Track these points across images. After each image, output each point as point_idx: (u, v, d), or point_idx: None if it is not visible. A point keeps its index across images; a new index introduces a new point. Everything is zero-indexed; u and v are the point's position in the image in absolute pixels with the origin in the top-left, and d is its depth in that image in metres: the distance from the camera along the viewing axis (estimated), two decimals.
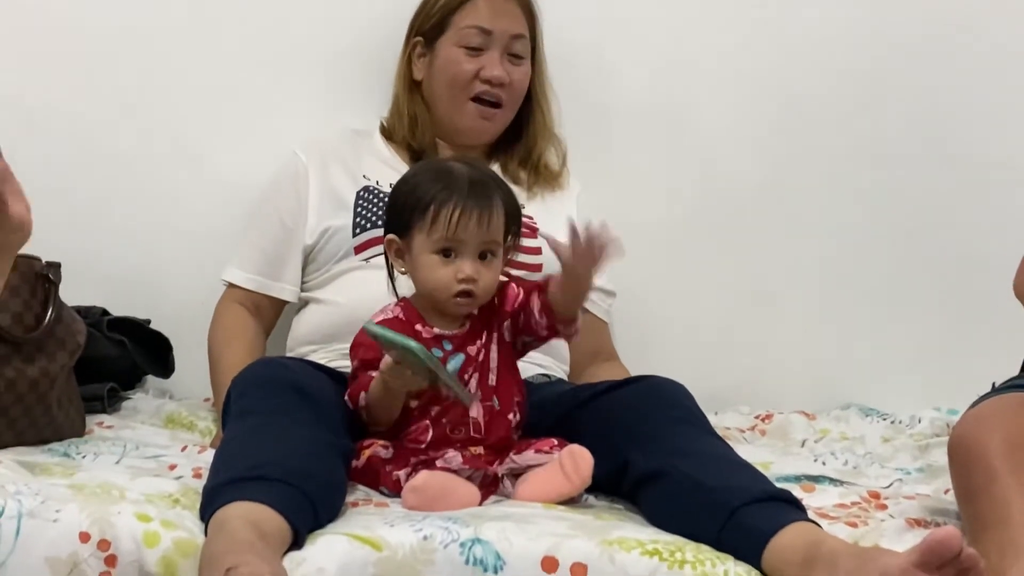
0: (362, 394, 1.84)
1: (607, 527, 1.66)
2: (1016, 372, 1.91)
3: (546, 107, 2.41)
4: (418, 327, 1.86)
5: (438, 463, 1.78)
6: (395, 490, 1.78)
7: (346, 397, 1.87)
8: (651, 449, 1.78)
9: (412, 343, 1.70)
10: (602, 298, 2.40)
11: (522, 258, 2.20)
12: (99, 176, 2.59)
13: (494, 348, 1.89)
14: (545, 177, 2.38)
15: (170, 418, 2.34)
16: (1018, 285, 1.89)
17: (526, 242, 2.20)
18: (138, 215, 2.60)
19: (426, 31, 2.36)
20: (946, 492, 1.90)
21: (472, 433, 1.84)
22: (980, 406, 1.70)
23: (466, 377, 1.85)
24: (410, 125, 2.36)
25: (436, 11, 2.34)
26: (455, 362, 1.77)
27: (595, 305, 2.39)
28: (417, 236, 1.85)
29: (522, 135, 2.40)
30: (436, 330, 1.87)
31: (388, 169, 2.32)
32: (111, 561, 1.56)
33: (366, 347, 1.85)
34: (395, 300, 1.93)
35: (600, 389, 1.97)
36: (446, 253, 1.84)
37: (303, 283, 2.33)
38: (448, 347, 1.86)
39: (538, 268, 2.23)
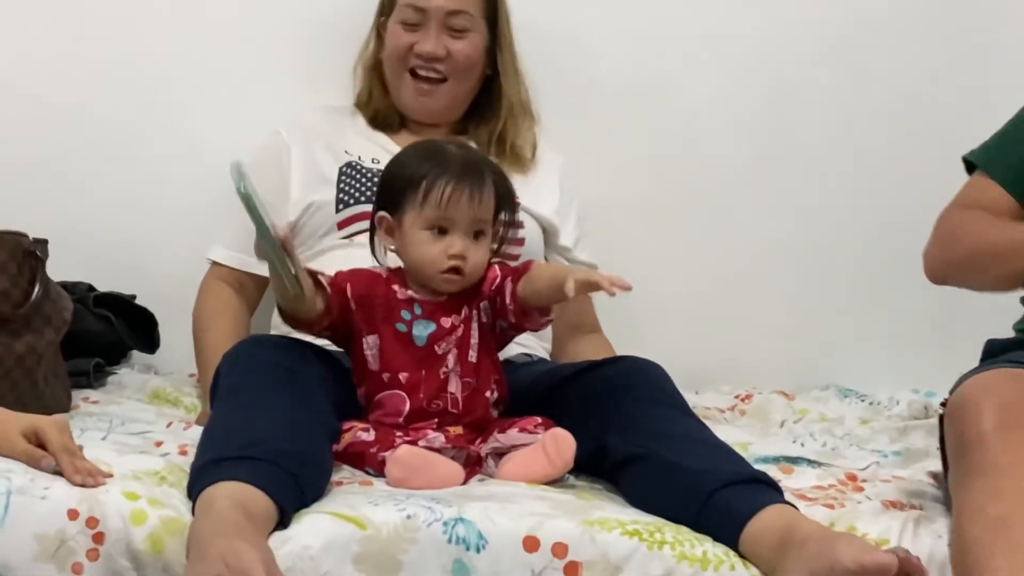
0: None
1: (588, 507, 1.69)
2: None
3: (514, 83, 2.40)
4: (395, 286, 1.89)
5: (420, 443, 1.80)
6: (381, 470, 1.79)
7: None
8: (629, 432, 1.81)
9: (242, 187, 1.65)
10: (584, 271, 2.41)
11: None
12: (84, 153, 2.59)
13: (474, 326, 1.91)
14: (511, 160, 2.36)
15: (155, 393, 2.35)
16: (932, 268, 1.93)
17: None
18: (123, 192, 2.60)
19: (383, 8, 2.41)
20: (932, 478, 1.93)
21: (450, 408, 1.86)
22: (981, 375, 1.74)
23: (441, 349, 1.87)
24: (367, 102, 2.42)
25: None
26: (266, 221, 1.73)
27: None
28: (409, 212, 1.87)
29: (485, 110, 2.41)
30: (411, 292, 1.90)
31: (371, 144, 2.33)
32: (99, 538, 1.58)
33: (340, 276, 1.89)
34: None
35: (579, 369, 1.99)
36: (439, 230, 1.86)
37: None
38: (418, 311, 1.88)
39: (521, 242, 2.25)
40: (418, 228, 1.87)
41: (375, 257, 1.96)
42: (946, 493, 1.76)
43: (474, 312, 1.91)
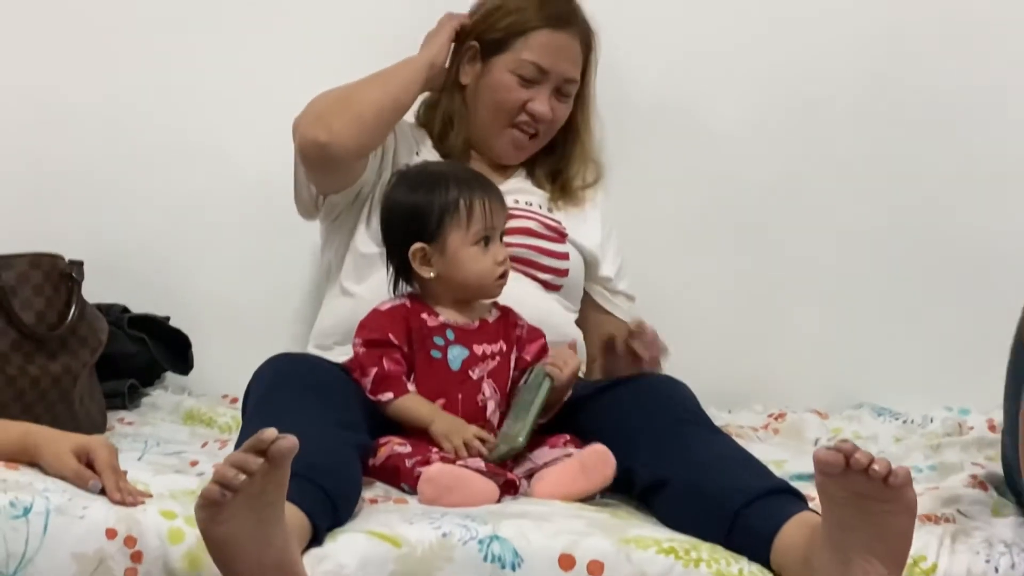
0: (388, 396, 1.89)
1: (624, 525, 1.69)
2: None
3: (587, 137, 2.41)
4: (424, 315, 1.93)
5: (458, 461, 1.81)
6: (415, 484, 1.80)
7: (366, 387, 1.90)
8: (653, 455, 1.82)
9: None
10: (623, 301, 2.42)
11: (549, 262, 2.25)
12: (121, 175, 2.62)
13: (512, 359, 1.98)
14: (570, 196, 2.38)
15: (189, 414, 2.37)
16: None
17: (554, 247, 2.26)
18: (158, 215, 2.63)
19: (485, 42, 2.33)
20: (970, 483, 1.93)
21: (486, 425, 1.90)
22: None
23: (475, 375, 1.93)
24: (443, 125, 2.36)
25: (501, 28, 2.31)
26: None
27: (617, 308, 2.41)
28: (454, 234, 1.93)
29: (555, 150, 2.40)
30: (442, 319, 1.94)
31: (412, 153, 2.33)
32: (137, 557, 1.59)
33: (370, 328, 1.92)
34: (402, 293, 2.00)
35: (602, 387, 2.02)
36: (484, 242, 1.94)
37: (340, 263, 2.31)
38: (451, 336, 1.93)
39: (564, 273, 2.28)
40: (468, 245, 1.93)
41: (392, 290, 2.01)
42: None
43: (513, 347, 1.98)
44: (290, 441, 1.46)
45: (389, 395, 1.89)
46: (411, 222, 1.95)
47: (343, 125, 2.15)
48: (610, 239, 2.42)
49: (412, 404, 1.89)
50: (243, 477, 1.44)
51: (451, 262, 1.93)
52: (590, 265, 2.37)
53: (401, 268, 1.99)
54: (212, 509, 1.46)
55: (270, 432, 1.46)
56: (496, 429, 1.91)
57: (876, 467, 1.48)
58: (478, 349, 1.94)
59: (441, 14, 2.38)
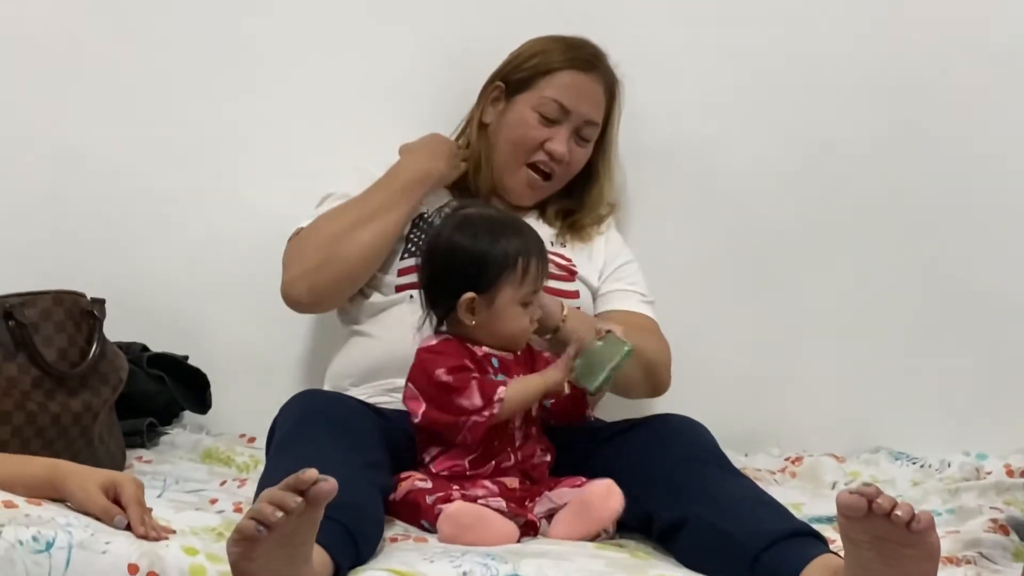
0: (500, 388, 1.90)
1: (643, 565, 1.69)
2: None
3: (607, 184, 2.43)
4: (468, 344, 1.96)
5: (480, 500, 1.81)
6: (435, 521, 1.81)
7: (474, 405, 1.89)
8: (672, 496, 1.83)
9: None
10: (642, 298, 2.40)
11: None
12: (141, 214, 2.64)
13: None
14: (577, 232, 2.40)
15: (207, 453, 2.37)
16: None
17: (565, 286, 2.26)
18: (178, 254, 2.64)
19: (511, 81, 2.36)
20: (990, 527, 1.92)
21: (511, 458, 1.93)
22: None
23: None
24: (475, 165, 2.37)
25: (527, 67, 2.34)
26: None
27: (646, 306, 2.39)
28: (506, 290, 1.95)
29: (572, 193, 2.42)
30: (486, 349, 1.96)
31: (439, 201, 2.32)
32: None
33: (446, 355, 1.93)
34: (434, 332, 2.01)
35: (618, 428, 2.04)
36: (528, 302, 1.97)
37: (351, 308, 2.32)
38: (495, 364, 1.96)
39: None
40: (515, 303, 1.96)
41: (420, 331, 2.02)
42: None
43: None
44: (331, 484, 1.46)
45: (501, 389, 1.90)
46: (469, 269, 1.96)
47: (327, 283, 2.21)
48: (613, 263, 2.40)
49: (519, 383, 1.93)
50: (280, 515, 1.44)
51: (495, 315, 1.95)
52: (594, 295, 2.37)
53: (443, 310, 1.99)
54: (246, 544, 1.46)
55: (311, 473, 1.45)
56: (519, 455, 1.94)
57: (899, 512, 1.47)
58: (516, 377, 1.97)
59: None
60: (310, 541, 1.50)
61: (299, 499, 1.44)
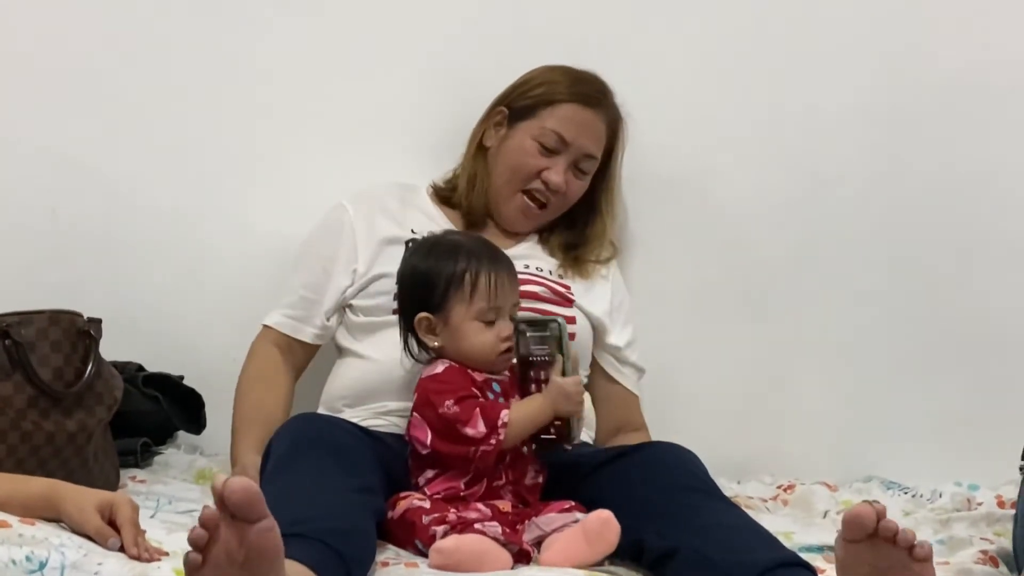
0: (504, 412, 1.91)
1: None
2: None
3: (609, 220, 2.44)
4: (468, 371, 1.96)
5: (476, 525, 1.81)
6: (430, 542, 1.81)
7: (479, 434, 1.89)
8: (661, 525, 1.83)
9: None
10: (632, 372, 2.43)
11: None
12: (137, 234, 2.64)
13: None
14: (579, 268, 2.40)
15: (201, 474, 2.38)
16: None
17: (560, 310, 2.26)
18: (174, 274, 2.64)
19: (514, 108, 2.37)
20: (980, 559, 1.92)
21: (503, 477, 1.93)
22: None
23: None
24: (468, 185, 2.38)
25: (532, 96, 2.35)
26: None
27: (626, 378, 2.42)
28: (456, 308, 1.95)
29: (575, 226, 2.43)
30: (485, 375, 1.97)
31: (434, 225, 2.33)
32: None
33: (450, 387, 1.93)
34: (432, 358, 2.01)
35: (612, 455, 2.04)
36: (487, 318, 1.94)
37: (345, 330, 2.33)
38: (497, 388, 1.97)
39: (571, 337, 2.27)
40: (469, 320, 1.95)
41: (409, 355, 2.04)
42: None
43: None
44: (240, 481, 1.40)
45: (504, 413, 1.90)
46: (419, 289, 1.99)
47: None
48: (620, 310, 2.43)
49: (520, 407, 1.93)
50: (203, 532, 1.42)
51: (454, 334, 1.97)
52: (598, 331, 2.38)
53: (410, 334, 2.02)
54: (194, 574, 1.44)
55: (219, 479, 1.41)
56: (510, 474, 1.95)
57: (904, 535, 1.48)
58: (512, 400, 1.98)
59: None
60: (274, 566, 1.45)
61: (215, 511, 1.41)
